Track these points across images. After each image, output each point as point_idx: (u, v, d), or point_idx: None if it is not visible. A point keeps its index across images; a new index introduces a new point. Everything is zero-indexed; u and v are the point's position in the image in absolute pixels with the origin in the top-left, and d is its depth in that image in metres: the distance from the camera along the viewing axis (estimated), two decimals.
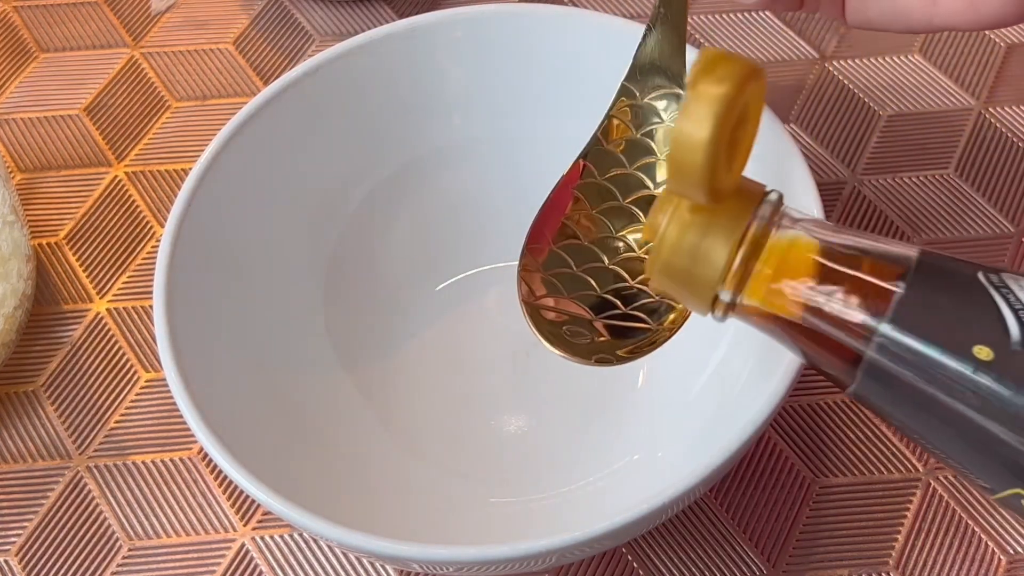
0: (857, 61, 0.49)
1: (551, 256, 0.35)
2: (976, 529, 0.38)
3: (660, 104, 0.35)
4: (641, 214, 0.35)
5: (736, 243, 0.27)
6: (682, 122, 0.25)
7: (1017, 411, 0.25)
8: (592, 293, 0.35)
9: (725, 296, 0.28)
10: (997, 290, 0.26)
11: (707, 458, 0.31)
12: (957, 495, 0.39)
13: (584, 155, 0.36)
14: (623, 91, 0.35)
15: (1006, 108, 0.47)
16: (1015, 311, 0.25)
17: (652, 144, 0.35)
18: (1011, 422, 0.25)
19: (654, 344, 0.33)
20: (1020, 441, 0.25)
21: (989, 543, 0.38)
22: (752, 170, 0.38)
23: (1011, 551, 0.38)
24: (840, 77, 0.49)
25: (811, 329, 0.28)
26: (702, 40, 0.50)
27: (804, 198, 0.35)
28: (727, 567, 0.38)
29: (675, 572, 0.38)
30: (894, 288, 0.26)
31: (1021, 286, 0.26)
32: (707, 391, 0.38)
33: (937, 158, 0.46)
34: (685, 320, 0.34)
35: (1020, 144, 0.46)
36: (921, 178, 0.46)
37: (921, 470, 0.39)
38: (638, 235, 0.35)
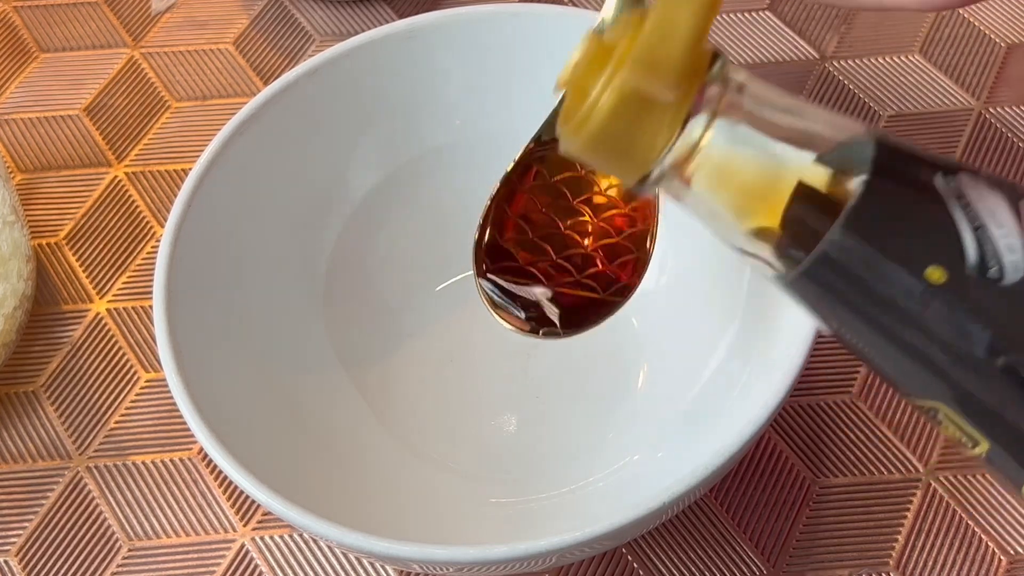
0: (857, 61, 0.49)
1: (513, 226, 0.35)
2: (976, 529, 0.38)
3: None
4: (599, 182, 0.36)
5: (682, 123, 0.25)
6: (667, 9, 0.23)
7: (963, 335, 0.24)
8: (547, 260, 0.36)
9: (660, 171, 0.25)
10: (958, 201, 0.24)
11: (707, 458, 0.31)
12: (957, 495, 0.39)
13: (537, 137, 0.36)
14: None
15: (1006, 108, 0.47)
16: (974, 229, 0.24)
17: None
18: (954, 345, 0.24)
19: (600, 316, 0.34)
20: (957, 364, 0.24)
21: (989, 543, 0.38)
22: None
23: (1011, 551, 0.38)
24: (840, 77, 0.49)
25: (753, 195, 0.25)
26: None
27: None
28: (727, 567, 0.38)
29: (675, 572, 0.38)
30: (849, 189, 0.24)
31: (980, 196, 0.24)
32: (707, 391, 0.38)
33: None
34: (633, 290, 0.35)
35: (1020, 144, 0.46)
36: None
37: (921, 470, 0.39)
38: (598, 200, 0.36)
